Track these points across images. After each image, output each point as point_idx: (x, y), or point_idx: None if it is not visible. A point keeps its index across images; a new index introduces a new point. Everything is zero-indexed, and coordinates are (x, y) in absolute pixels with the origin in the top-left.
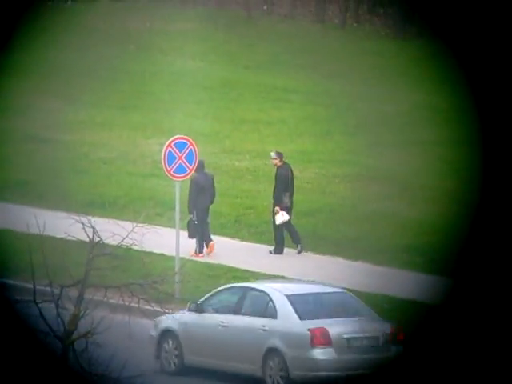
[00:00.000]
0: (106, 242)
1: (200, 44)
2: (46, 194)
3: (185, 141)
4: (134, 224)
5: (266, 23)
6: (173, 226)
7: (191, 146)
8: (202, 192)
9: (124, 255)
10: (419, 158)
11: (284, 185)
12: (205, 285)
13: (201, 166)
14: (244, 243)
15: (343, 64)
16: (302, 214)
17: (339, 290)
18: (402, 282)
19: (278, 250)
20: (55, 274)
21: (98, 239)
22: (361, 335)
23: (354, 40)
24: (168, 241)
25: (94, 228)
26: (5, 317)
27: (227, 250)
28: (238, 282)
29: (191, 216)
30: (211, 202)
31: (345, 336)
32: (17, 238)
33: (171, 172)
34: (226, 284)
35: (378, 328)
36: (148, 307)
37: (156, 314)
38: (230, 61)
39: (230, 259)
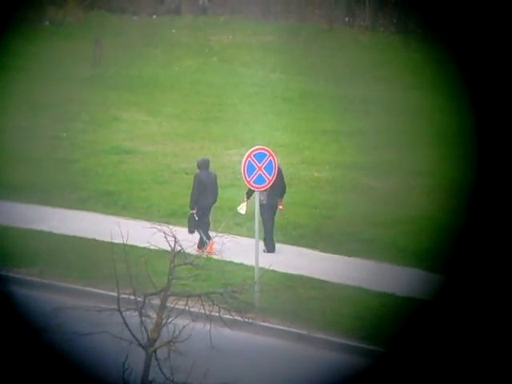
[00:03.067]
0: (187, 251)
1: (281, 56)
2: (130, 204)
3: (264, 152)
4: (214, 234)
5: (347, 35)
6: (252, 236)
7: (271, 157)
8: (204, 190)
9: (205, 264)
10: (498, 169)
11: None
12: (284, 295)
13: (205, 165)
14: (322, 254)
15: (424, 75)
16: (381, 224)
17: None
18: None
19: (269, 249)
20: (138, 282)
21: (179, 248)
22: None
23: (436, 50)
24: (247, 250)
25: (175, 237)
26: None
27: (306, 261)
28: (316, 292)
29: (192, 212)
30: (214, 202)
31: None
32: (101, 247)
33: (251, 182)
34: (303, 294)
35: None
36: (228, 316)
37: (236, 324)
38: (310, 73)
39: (309, 270)
